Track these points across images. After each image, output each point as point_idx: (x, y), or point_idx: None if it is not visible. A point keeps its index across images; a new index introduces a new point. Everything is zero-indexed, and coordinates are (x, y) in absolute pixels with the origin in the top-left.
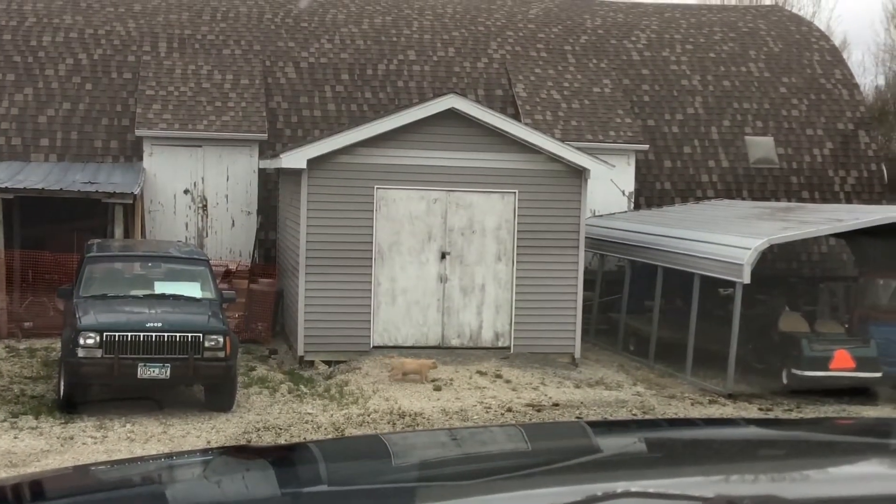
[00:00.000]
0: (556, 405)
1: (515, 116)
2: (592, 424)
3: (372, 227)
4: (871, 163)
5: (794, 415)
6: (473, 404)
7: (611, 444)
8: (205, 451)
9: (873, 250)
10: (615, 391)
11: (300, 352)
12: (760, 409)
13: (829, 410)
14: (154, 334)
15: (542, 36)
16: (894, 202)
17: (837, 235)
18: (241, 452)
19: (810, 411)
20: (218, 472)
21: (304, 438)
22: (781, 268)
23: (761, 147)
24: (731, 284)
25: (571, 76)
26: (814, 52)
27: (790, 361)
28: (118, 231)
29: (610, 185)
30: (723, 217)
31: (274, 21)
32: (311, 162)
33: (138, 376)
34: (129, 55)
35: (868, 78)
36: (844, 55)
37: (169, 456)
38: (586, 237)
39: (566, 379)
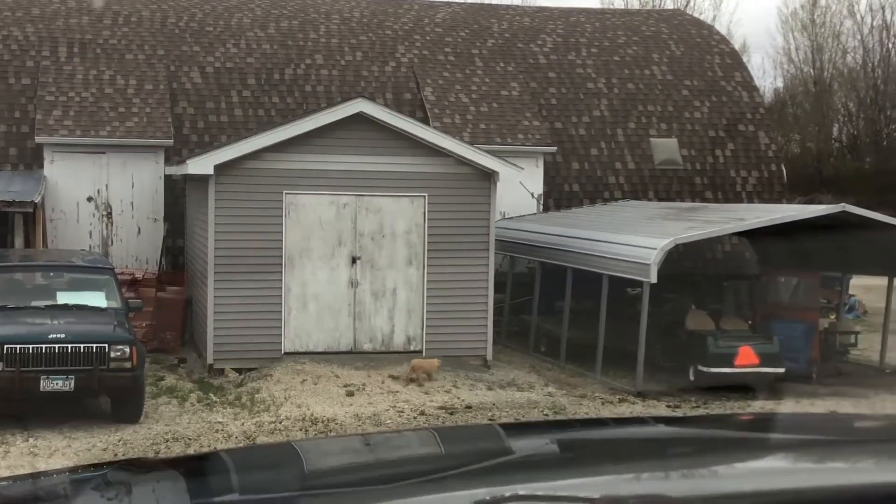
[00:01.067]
0: (469, 408)
1: (424, 120)
2: (505, 426)
3: (281, 232)
4: (770, 163)
5: (700, 411)
6: (386, 409)
7: (523, 445)
8: (103, 465)
9: (774, 248)
10: (527, 392)
11: (210, 360)
12: (669, 407)
13: (734, 406)
14: (57, 346)
15: (450, 40)
16: (793, 201)
17: (740, 234)
18: (143, 464)
19: (716, 407)
20: (119, 486)
21: (214, 448)
22: (687, 267)
23: (666, 148)
24: (639, 284)
25: (479, 79)
26: (714, 56)
27: (697, 358)
28: (18, 241)
29: (519, 187)
30: (630, 218)
31: (178, 25)
32: (218, 168)
33: (41, 389)
34: (27, 60)
35: (767, 80)
36: (744, 58)
37: (66, 471)
38: (496, 239)
39: (478, 381)
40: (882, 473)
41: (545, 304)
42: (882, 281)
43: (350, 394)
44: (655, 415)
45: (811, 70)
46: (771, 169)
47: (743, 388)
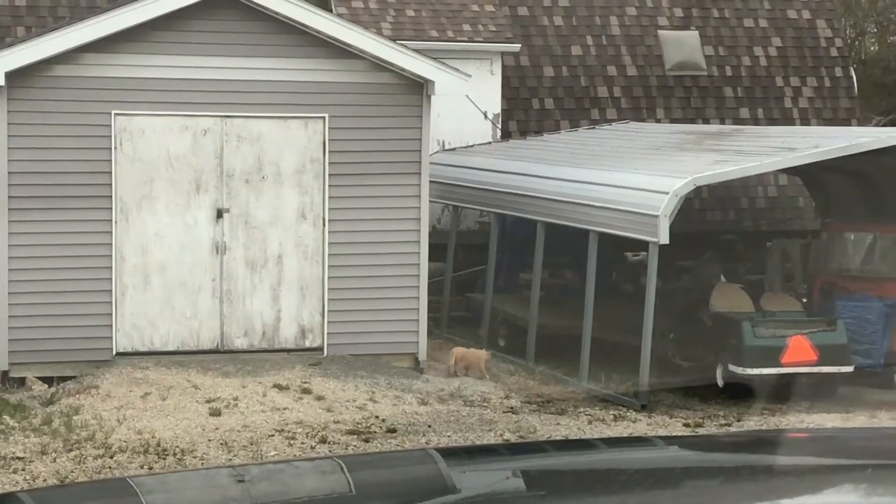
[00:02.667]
0: (392, 431)
1: (325, 5)
2: (446, 452)
3: (110, 172)
4: (835, 66)
5: (732, 431)
6: (270, 433)
7: (472, 480)
8: None
9: (840, 192)
10: (479, 407)
11: (4, 365)
12: (686, 426)
13: (779, 423)
14: None
15: None
16: (869, 122)
17: (790, 171)
18: None
19: (756, 424)
20: None
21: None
22: (714, 220)
23: (682, 46)
24: (644, 247)
25: None
26: None
27: (727, 354)
28: None
29: (466, 104)
30: (629, 148)
31: None
32: (11, 77)
33: None
34: None
35: None
36: None
37: None
38: (433, 182)
39: (406, 391)
40: None
41: (505, 278)
42: None
43: (216, 412)
44: (667, 435)
45: None
46: (835, 75)
47: (793, 395)
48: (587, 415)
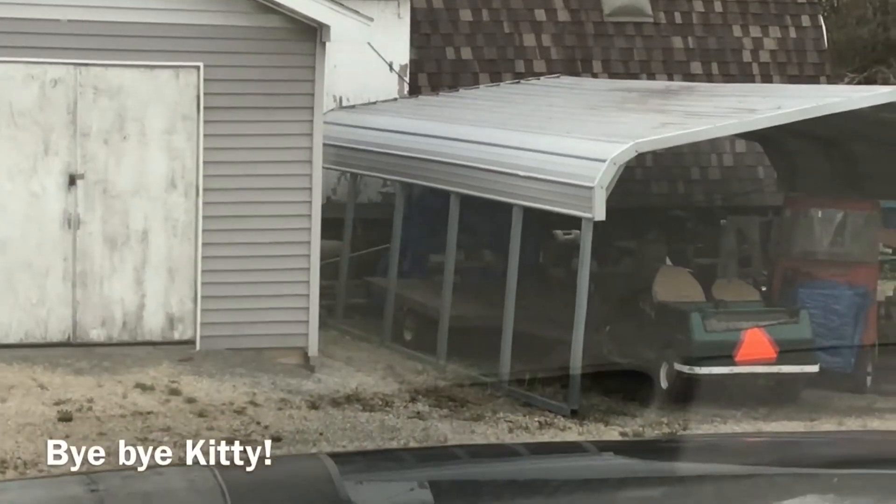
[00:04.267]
0: (277, 440)
1: None
2: (341, 457)
3: None
4: (801, 15)
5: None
6: (130, 442)
7: (369, 494)
8: None
9: (805, 161)
10: (380, 412)
11: None
12: (623, 435)
13: (733, 430)
14: None
15: None
16: (840, 81)
17: (749, 136)
18: None
19: (703, 431)
20: None
21: None
22: (659, 193)
23: None
24: (576, 223)
25: None
26: None
27: (672, 351)
28: None
29: (368, 53)
30: (559, 107)
31: None
32: None
33: None
34: None
35: None
36: None
37: None
38: (327, 144)
39: (294, 393)
40: None
41: (412, 260)
42: None
43: (66, 417)
44: (601, 440)
45: None
46: (802, 25)
47: (749, 399)
48: (508, 421)
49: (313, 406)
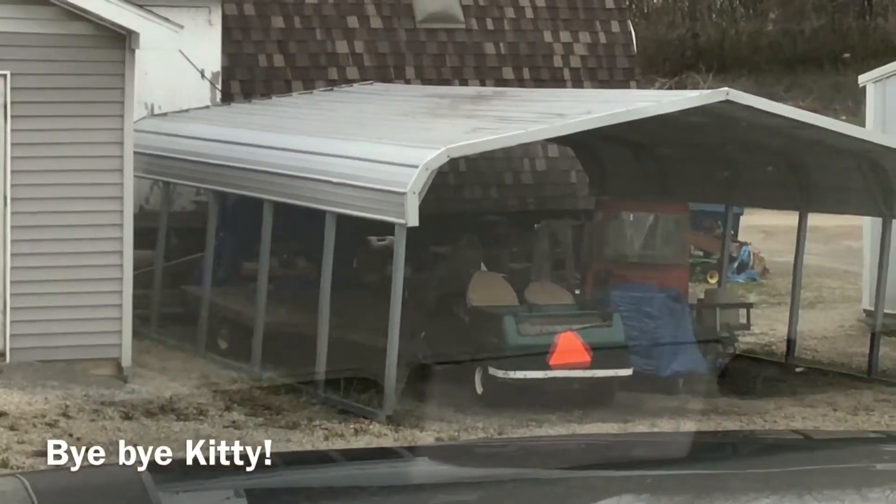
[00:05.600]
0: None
1: None
2: (155, 467)
3: None
4: (611, 20)
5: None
6: None
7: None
8: None
9: (617, 165)
10: (195, 422)
11: None
12: (439, 440)
13: (548, 433)
14: None
15: None
16: (651, 85)
17: (561, 141)
18: None
19: (519, 435)
20: None
21: None
22: (472, 199)
23: None
24: (390, 229)
25: None
26: None
27: (487, 355)
28: None
29: (180, 61)
30: (372, 114)
31: None
32: None
33: None
34: None
35: None
36: None
37: None
38: (139, 153)
39: (107, 404)
40: None
41: (228, 268)
42: (791, 219)
43: None
44: (416, 445)
45: None
46: (611, 30)
47: (565, 402)
48: (323, 429)
49: (127, 416)
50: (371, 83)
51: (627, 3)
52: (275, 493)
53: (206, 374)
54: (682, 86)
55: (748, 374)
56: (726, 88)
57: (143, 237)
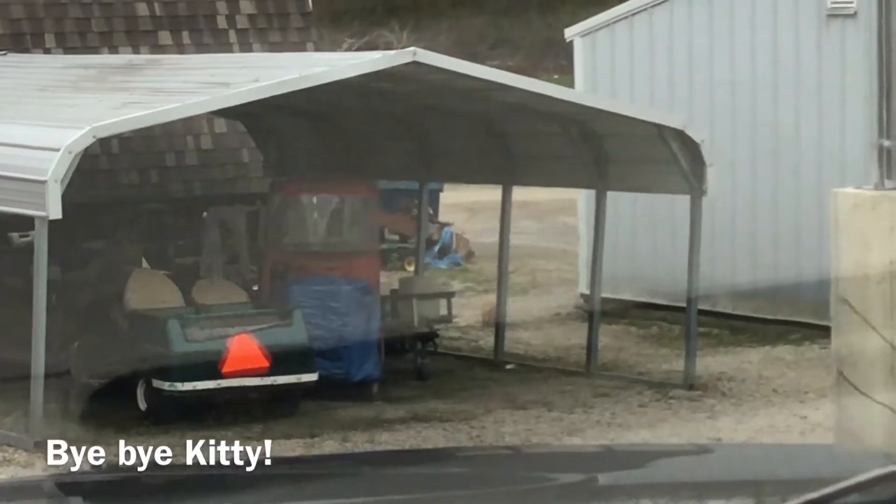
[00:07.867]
0: None
1: None
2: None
3: None
4: None
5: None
6: None
7: None
8: None
9: (295, 140)
10: None
11: None
12: (95, 468)
13: (227, 451)
14: None
15: None
16: (338, 46)
17: (228, 114)
18: None
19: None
20: None
21: None
22: (128, 185)
23: None
24: (31, 224)
25: None
26: None
27: (149, 366)
28: None
29: None
30: (6, 89)
31: None
32: None
33: None
34: None
35: None
36: None
37: None
38: None
39: None
40: None
41: None
42: (498, 193)
43: None
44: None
45: None
46: None
47: (242, 416)
48: None
49: None
50: (4, 54)
51: None
52: None
53: None
54: (372, 46)
55: (452, 374)
56: (413, 48)
57: None
